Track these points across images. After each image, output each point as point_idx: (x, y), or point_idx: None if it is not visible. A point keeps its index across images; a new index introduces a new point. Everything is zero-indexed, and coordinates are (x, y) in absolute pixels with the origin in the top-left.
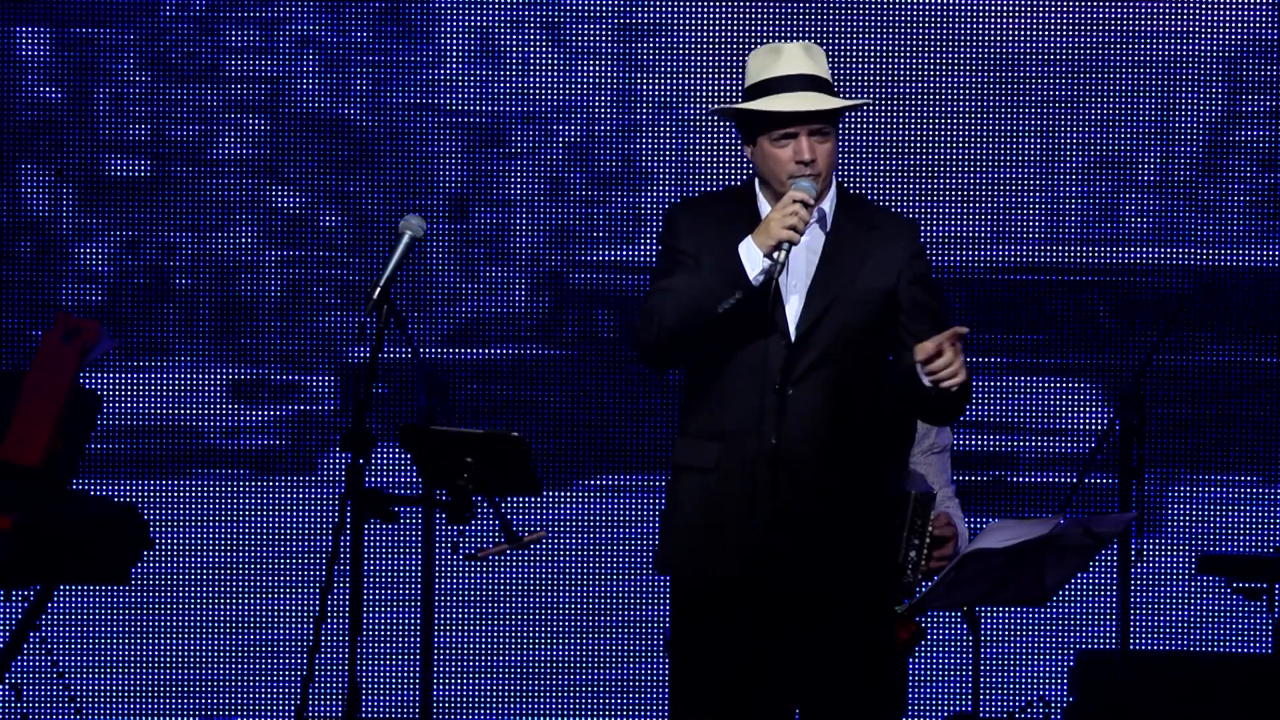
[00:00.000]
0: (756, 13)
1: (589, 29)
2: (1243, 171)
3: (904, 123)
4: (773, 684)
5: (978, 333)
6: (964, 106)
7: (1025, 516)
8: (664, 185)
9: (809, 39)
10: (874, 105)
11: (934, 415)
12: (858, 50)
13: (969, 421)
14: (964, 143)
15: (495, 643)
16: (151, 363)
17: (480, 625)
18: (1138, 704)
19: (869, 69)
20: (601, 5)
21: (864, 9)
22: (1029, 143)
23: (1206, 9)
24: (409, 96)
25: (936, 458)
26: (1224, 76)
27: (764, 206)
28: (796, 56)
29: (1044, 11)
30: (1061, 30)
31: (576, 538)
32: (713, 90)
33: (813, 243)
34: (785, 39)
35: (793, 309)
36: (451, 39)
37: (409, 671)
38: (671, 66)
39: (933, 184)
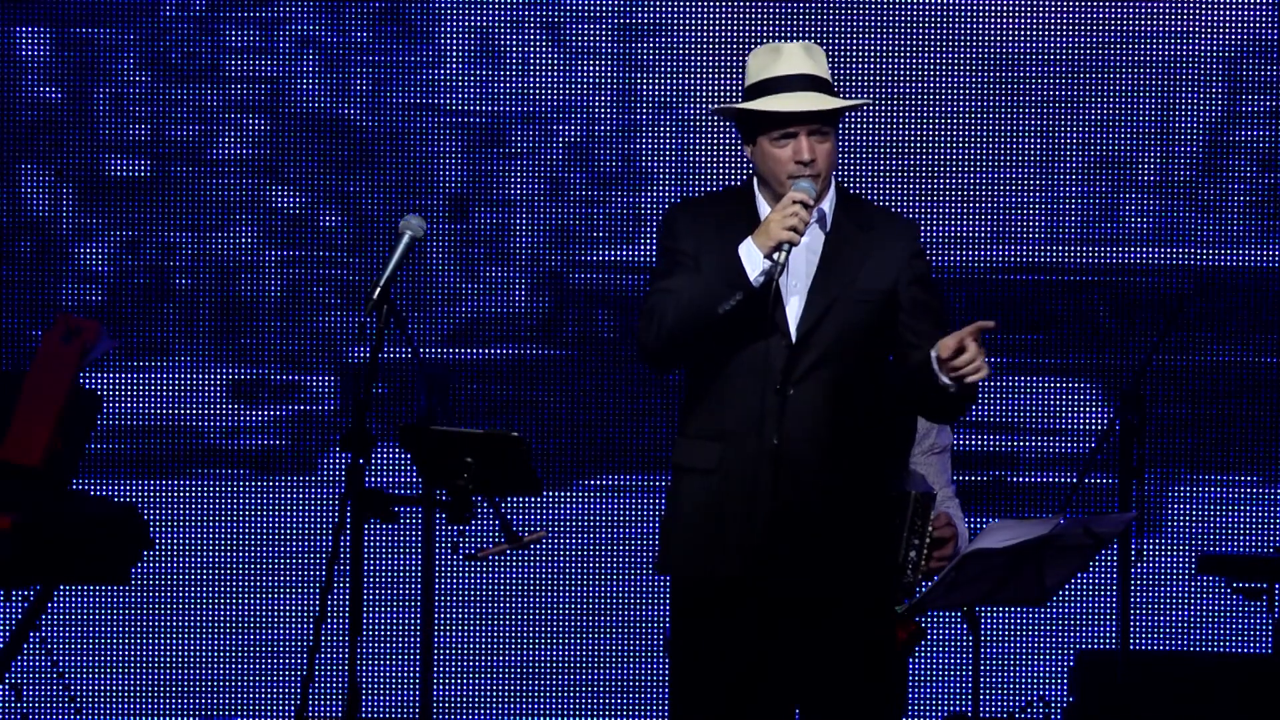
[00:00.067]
0: (756, 13)
1: (589, 29)
2: (1243, 171)
3: (904, 123)
4: (773, 684)
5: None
6: (964, 106)
7: (1025, 516)
8: (664, 185)
9: (809, 39)
10: (874, 105)
11: (942, 413)
12: (858, 50)
13: (969, 421)
14: (964, 143)
15: (495, 643)
16: (151, 363)
17: (480, 625)
18: (1138, 704)
19: (869, 69)
20: (601, 5)
21: (864, 9)
22: (1029, 143)
23: (1206, 9)
24: (409, 96)
25: (937, 458)
26: (1224, 76)
27: (763, 207)
28: (796, 56)
29: (1044, 11)
30: (1061, 30)
31: (576, 538)
32: (713, 90)
33: (812, 243)
34: (785, 39)
35: (793, 310)
36: (451, 39)
37: (409, 671)
38: (671, 66)
39: (933, 184)
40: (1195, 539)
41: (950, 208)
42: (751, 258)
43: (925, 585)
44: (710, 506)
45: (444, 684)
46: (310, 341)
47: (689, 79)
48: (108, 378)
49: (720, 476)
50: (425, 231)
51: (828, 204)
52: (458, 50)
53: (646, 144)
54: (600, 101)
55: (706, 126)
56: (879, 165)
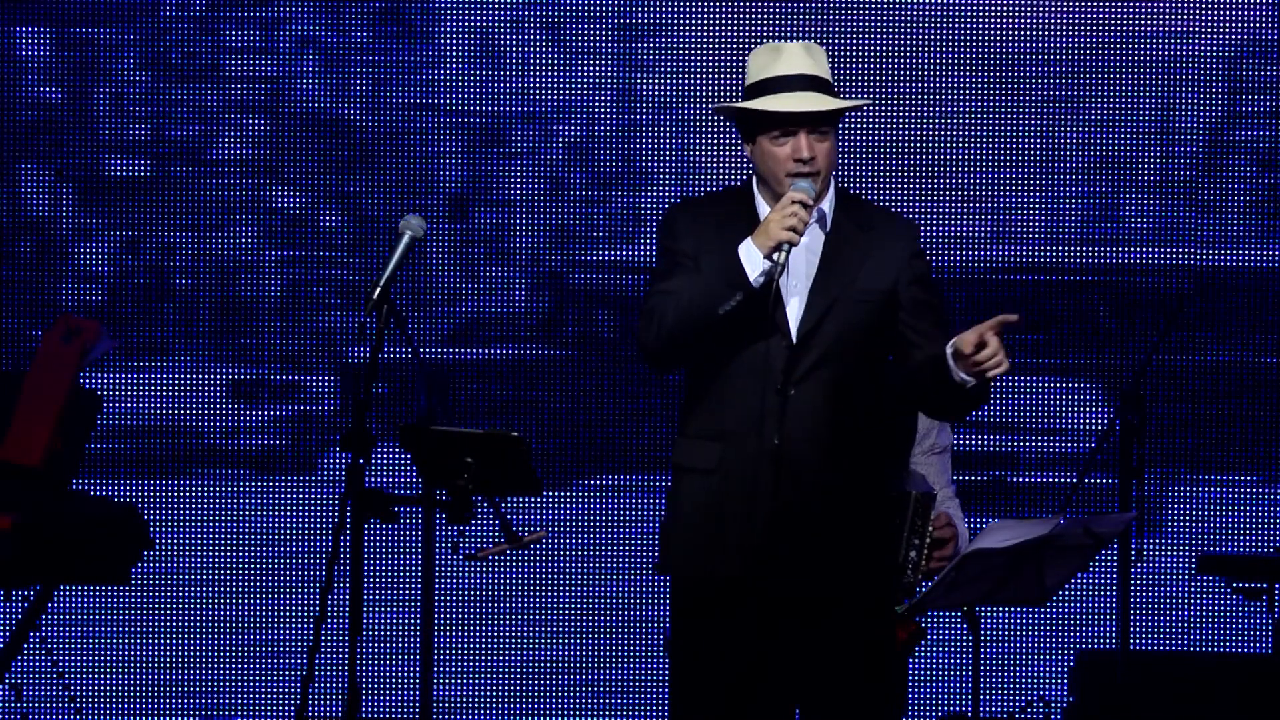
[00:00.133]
0: (756, 13)
1: (589, 29)
2: (1243, 171)
3: (904, 123)
4: (773, 684)
5: None
6: (964, 106)
7: (1025, 516)
8: (664, 185)
9: (809, 39)
10: (874, 105)
11: (951, 410)
12: (858, 50)
13: (969, 421)
14: (964, 143)
15: (495, 643)
16: (151, 363)
17: (480, 625)
18: (1138, 704)
19: (869, 69)
20: (601, 5)
21: (864, 9)
22: (1029, 143)
23: (1206, 9)
24: (409, 96)
25: (937, 458)
26: (1224, 76)
27: (762, 207)
28: (797, 56)
29: (1044, 11)
30: (1061, 30)
31: (576, 538)
32: (713, 90)
33: (812, 243)
34: (785, 39)
35: (794, 310)
36: (451, 39)
37: (409, 671)
38: (671, 66)
39: (933, 184)
40: (1195, 539)
41: (950, 208)
42: (751, 258)
43: (925, 585)
44: (710, 506)
45: (444, 684)
46: (310, 341)
47: (689, 79)
48: (108, 378)
49: (720, 477)
50: (425, 231)
51: (827, 204)
52: (458, 50)
53: (646, 144)
54: (600, 101)
55: (706, 126)
56: (879, 165)
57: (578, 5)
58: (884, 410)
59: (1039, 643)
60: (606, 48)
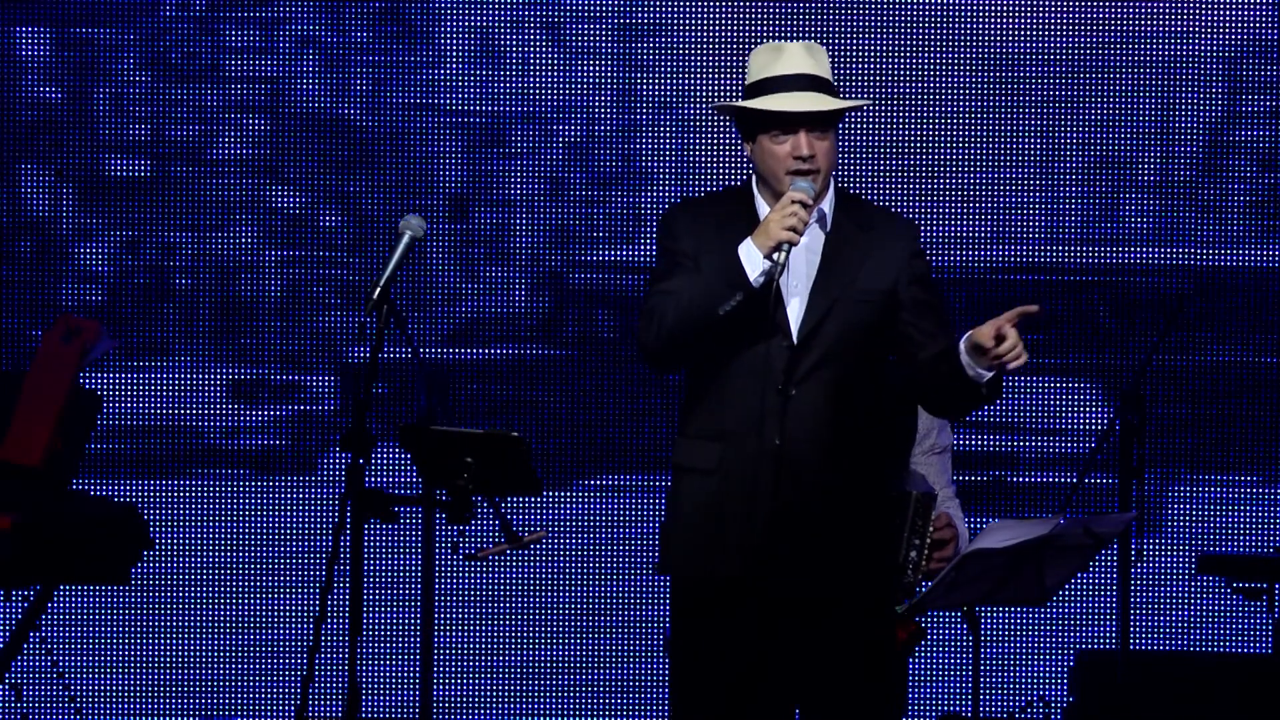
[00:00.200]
0: (756, 13)
1: (589, 29)
2: (1243, 171)
3: (904, 123)
4: (773, 684)
5: None
6: (964, 106)
7: (1025, 516)
8: (664, 185)
9: (809, 39)
10: (874, 105)
11: (958, 407)
12: (858, 50)
13: (969, 421)
14: (964, 143)
15: (495, 643)
16: (151, 363)
17: (480, 625)
18: (1138, 704)
19: (869, 69)
20: (601, 5)
21: (864, 9)
22: (1029, 143)
23: (1206, 9)
24: (409, 96)
25: (937, 458)
26: (1224, 76)
27: (762, 207)
28: (798, 56)
29: (1044, 11)
30: (1061, 30)
31: (576, 538)
32: (713, 90)
33: (812, 243)
34: (785, 39)
35: (794, 310)
36: (451, 39)
37: (409, 671)
38: (671, 66)
39: (933, 184)
40: (1195, 539)
41: (950, 208)
42: (751, 258)
43: (925, 585)
44: (710, 507)
45: (444, 684)
46: (310, 341)
47: (689, 79)
48: (108, 378)
49: (720, 477)
50: (425, 231)
51: (827, 204)
52: (458, 50)
53: (646, 144)
54: (600, 101)
55: (706, 126)
56: (879, 165)
57: (578, 5)
58: (884, 410)
59: (1039, 643)
60: (606, 48)
